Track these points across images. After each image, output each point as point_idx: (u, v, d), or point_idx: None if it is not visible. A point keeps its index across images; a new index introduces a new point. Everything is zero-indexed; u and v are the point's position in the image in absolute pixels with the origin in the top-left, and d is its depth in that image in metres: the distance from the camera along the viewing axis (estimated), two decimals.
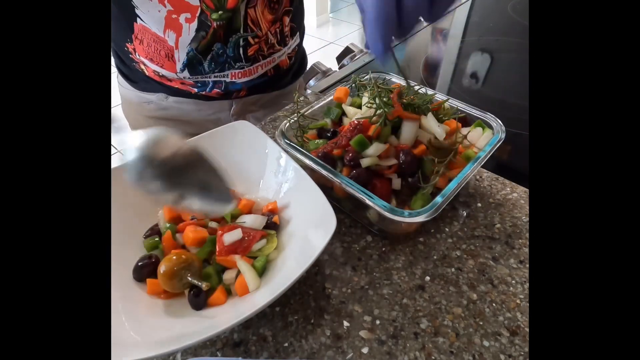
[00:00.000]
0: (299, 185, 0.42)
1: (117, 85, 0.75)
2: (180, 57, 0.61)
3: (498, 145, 0.45)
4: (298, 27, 0.72)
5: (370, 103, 0.47)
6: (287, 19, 0.67)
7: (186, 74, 0.64)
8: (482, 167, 0.53)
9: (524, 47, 0.86)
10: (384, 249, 0.43)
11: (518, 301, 0.39)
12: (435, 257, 0.42)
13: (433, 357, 0.35)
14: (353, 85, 0.55)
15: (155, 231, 0.41)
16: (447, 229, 0.45)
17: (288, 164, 0.44)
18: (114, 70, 0.77)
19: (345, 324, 0.37)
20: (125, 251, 0.39)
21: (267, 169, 0.46)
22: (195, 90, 0.67)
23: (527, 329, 0.36)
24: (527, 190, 0.50)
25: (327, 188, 0.42)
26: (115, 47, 0.68)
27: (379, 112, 0.45)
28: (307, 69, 0.79)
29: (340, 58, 0.83)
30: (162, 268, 0.36)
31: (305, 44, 0.81)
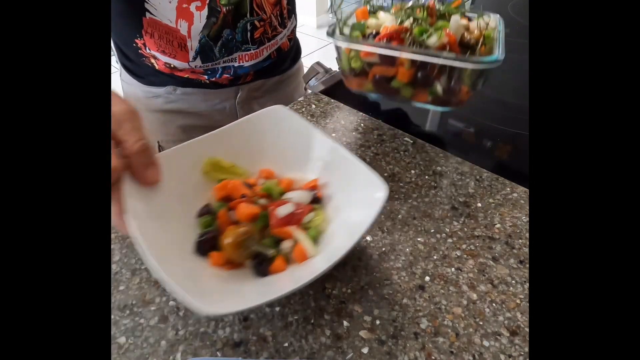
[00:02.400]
0: (337, 162, 0.43)
1: (120, 81, 0.76)
2: (193, 45, 0.63)
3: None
4: (293, 9, 0.75)
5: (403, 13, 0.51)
6: (284, 1, 0.70)
7: (198, 62, 0.66)
8: (482, 167, 0.53)
9: (524, 47, 0.86)
10: (384, 249, 0.43)
11: (518, 301, 0.39)
12: (435, 257, 0.43)
13: (433, 357, 0.35)
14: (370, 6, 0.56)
15: (207, 210, 0.42)
16: (447, 229, 0.45)
17: (324, 142, 0.45)
18: (115, 69, 0.77)
19: (345, 324, 0.37)
20: (181, 231, 0.40)
21: (305, 149, 0.47)
22: (205, 77, 0.69)
23: (527, 329, 0.36)
24: (527, 190, 0.50)
25: (387, 80, 0.45)
26: (120, 44, 0.69)
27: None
28: (308, 68, 0.79)
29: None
30: (228, 239, 0.38)
31: (305, 44, 0.83)
